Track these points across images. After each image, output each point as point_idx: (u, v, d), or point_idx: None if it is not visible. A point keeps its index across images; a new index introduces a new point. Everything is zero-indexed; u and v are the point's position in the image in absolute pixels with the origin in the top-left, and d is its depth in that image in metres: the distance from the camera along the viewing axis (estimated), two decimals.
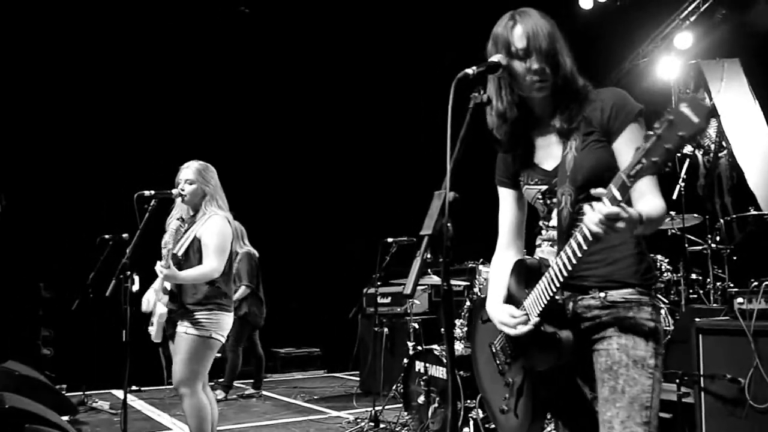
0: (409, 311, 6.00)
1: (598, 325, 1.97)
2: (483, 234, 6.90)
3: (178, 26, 8.32)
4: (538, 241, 2.21)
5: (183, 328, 3.90)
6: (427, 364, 5.02)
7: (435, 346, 5.11)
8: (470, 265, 5.77)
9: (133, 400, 7.14)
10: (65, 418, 4.78)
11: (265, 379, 9.05)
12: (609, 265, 1.98)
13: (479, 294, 5.36)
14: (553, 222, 2.07)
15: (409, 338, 5.74)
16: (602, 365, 1.94)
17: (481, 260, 5.67)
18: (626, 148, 1.89)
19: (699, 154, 7.58)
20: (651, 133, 1.54)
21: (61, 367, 7.30)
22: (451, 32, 8.53)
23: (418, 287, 6.91)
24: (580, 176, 1.95)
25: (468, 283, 5.62)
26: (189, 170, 4.09)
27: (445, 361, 4.89)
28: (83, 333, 7.32)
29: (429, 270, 5.16)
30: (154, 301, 4.02)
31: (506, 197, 2.28)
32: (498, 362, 2.25)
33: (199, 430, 3.99)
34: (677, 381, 4.38)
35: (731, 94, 7.23)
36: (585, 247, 1.73)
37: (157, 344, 4.07)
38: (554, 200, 2.05)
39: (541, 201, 2.12)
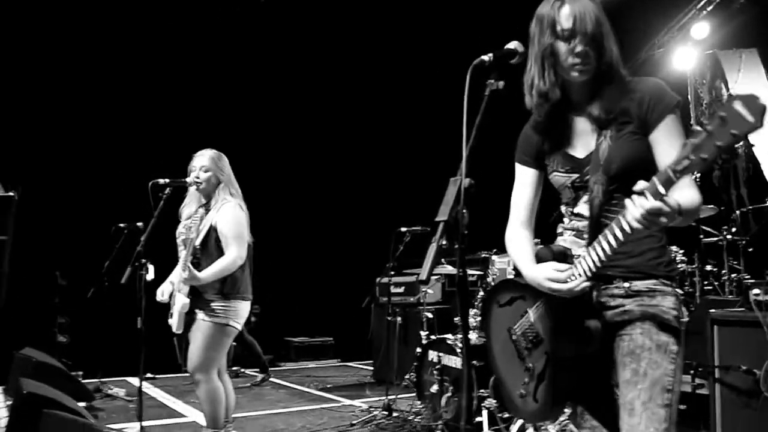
0: (422, 301, 6.01)
1: (622, 313, 1.99)
2: (496, 224, 6.90)
3: (194, 16, 8.32)
4: (559, 229, 2.20)
5: (201, 315, 3.94)
6: (441, 354, 5.02)
7: (448, 336, 5.12)
8: (483, 255, 5.76)
9: (148, 387, 7.21)
10: (81, 404, 4.83)
11: (278, 368, 9.13)
12: (634, 257, 1.98)
13: (492, 283, 5.36)
14: (579, 210, 2.08)
15: (423, 328, 5.75)
16: (624, 349, 1.95)
17: (495, 250, 5.66)
18: (663, 139, 1.90)
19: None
20: (700, 128, 1.51)
21: (76, 354, 7.37)
22: (465, 19, 8.49)
23: (432, 277, 6.93)
24: (614, 166, 1.94)
25: (481, 273, 5.62)
26: (203, 158, 4.12)
27: (458, 350, 4.90)
28: (99, 321, 7.38)
29: (443, 259, 5.16)
30: (171, 292, 4.05)
31: (526, 176, 2.25)
32: (518, 346, 2.22)
33: (213, 416, 4.03)
34: (692, 372, 4.37)
35: (749, 84, 7.16)
36: (622, 240, 1.75)
37: (172, 332, 4.11)
38: (584, 189, 2.05)
39: (570, 189, 2.10)
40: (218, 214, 4.01)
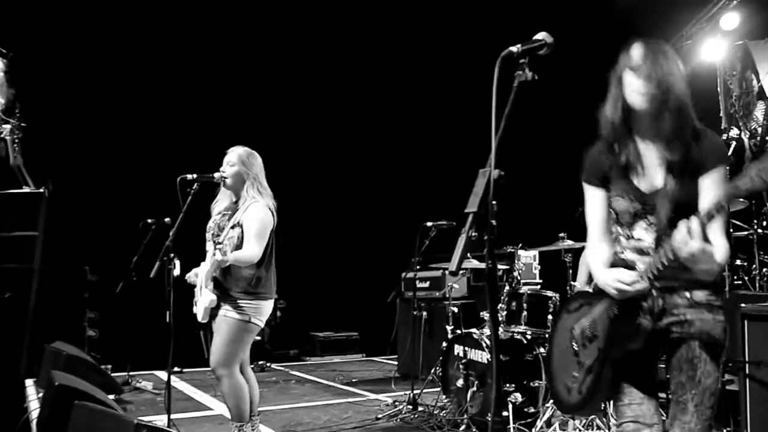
0: (447, 295, 6.00)
1: (684, 322, 2.29)
2: (522, 218, 6.86)
3: (226, 13, 8.39)
4: (618, 247, 2.46)
5: (224, 311, 3.98)
6: (466, 348, 5.02)
7: (474, 330, 5.11)
8: (509, 250, 5.73)
9: (175, 381, 7.28)
10: (111, 397, 4.90)
11: (303, 363, 9.20)
12: (689, 270, 2.20)
13: (518, 278, 5.34)
14: (638, 235, 2.38)
15: (448, 322, 5.74)
16: (684, 355, 2.28)
17: (521, 245, 5.63)
18: (707, 188, 2.24)
19: (745, 138, 7.40)
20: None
21: (105, 348, 7.48)
22: (494, 9, 8.44)
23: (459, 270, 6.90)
24: (681, 204, 2.25)
25: (507, 268, 5.59)
26: (233, 154, 4.16)
27: (484, 345, 4.89)
28: (127, 315, 7.48)
29: (468, 254, 5.14)
30: (200, 285, 4.10)
31: (596, 195, 2.49)
32: (575, 344, 2.49)
33: (237, 410, 4.06)
34: (721, 368, 4.31)
35: None
36: (672, 258, 2.09)
37: (198, 326, 4.15)
38: (642, 217, 2.36)
39: (629, 214, 2.39)
40: (245, 213, 4.04)
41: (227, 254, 3.84)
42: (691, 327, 2.27)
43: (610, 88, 2.34)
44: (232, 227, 4.03)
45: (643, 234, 2.36)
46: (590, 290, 2.52)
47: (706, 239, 2.01)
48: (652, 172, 2.34)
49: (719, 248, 2.17)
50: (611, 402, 4.30)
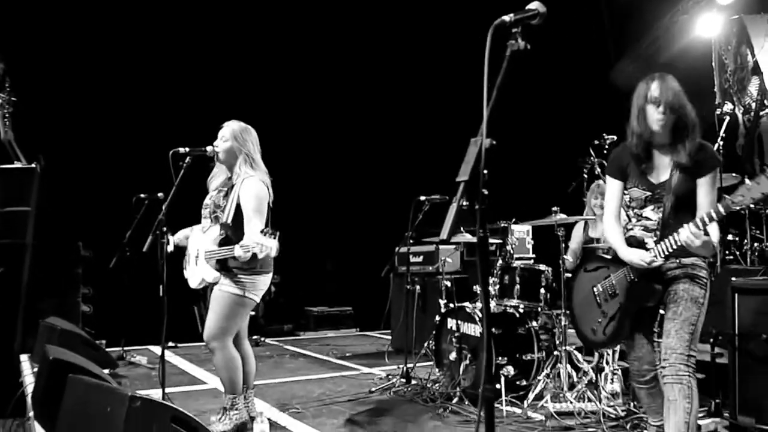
0: (441, 269, 6.02)
1: (673, 277, 3.15)
2: (515, 193, 6.85)
3: None
4: (629, 225, 3.32)
5: (220, 284, 3.98)
6: (459, 321, 5.05)
7: (467, 304, 5.13)
8: (503, 225, 5.74)
9: (169, 356, 7.31)
10: (106, 371, 4.91)
11: (297, 338, 9.24)
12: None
13: (511, 252, 5.36)
14: (647, 215, 3.22)
15: (441, 296, 5.76)
16: (671, 297, 3.12)
17: (514, 219, 5.64)
18: (702, 187, 3.08)
19: (739, 113, 7.39)
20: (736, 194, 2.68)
21: (100, 323, 7.48)
22: None
23: (451, 245, 6.93)
24: (679, 193, 3.10)
25: (501, 242, 5.60)
26: (227, 129, 4.14)
27: (477, 318, 4.91)
28: (121, 290, 7.49)
29: (462, 228, 5.15)
30: (195, 255, 4.09)
31: (615, 186, 3.35)
32: (598, 298, 3.38)
33: (230, 383, 4.08)
34: (711, 341, 4.34)
35: None
36: (680, 244, 2.93)
37: (193, 301, 4.16)
38: (651, 202, 3.19)
39: (641, 200, 3.22)
40: (241, 188, 4.02)
41: (240, 251, 3.71)
42: (678, 278, 3.13)
43: (633, 109, 3.13)
44: (235, 207, 4.01)
45: (651, 214, 3.21)
46: (607, 256, 3.39)
47: (705, 232, 2.81)
48: (662, 170, 3.17)
49: (713, 235, 2.93)
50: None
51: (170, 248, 4.19)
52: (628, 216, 3.35)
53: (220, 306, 3.99)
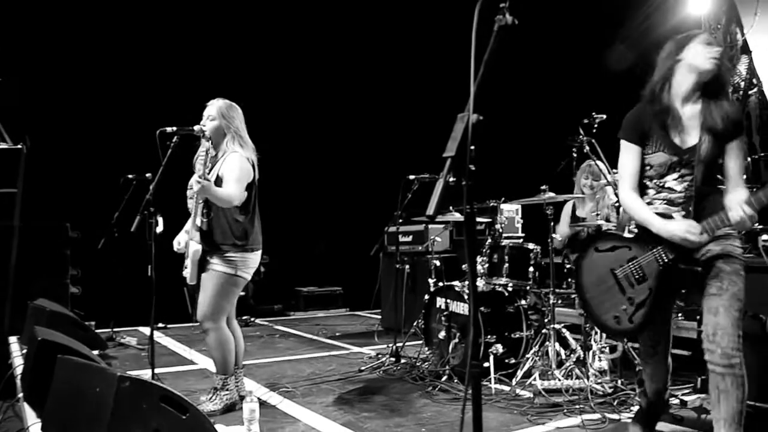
0: (430, 249, 6.03)
1: (712, 256, 2.85)
2: (505, 173, 6.85)
3: None
4: (647, 198, 3.00)
5: (211, 264, 3.99)
6: (448, 300, 5.06)
7: (456, 282, 5.15)
8: (492, 204, 5.75)
9: (159, 337, 7.31)
10: (95, 352, 4.91)
11: (287, 317, 9.26)
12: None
13: (500, 231, 5.37)
14: (670, 185, 2.92)
15: (430, 275, 5.77)
16: (713, 274, 2.83)
17: (503, 199, 5.65)
18: (733, 151, 2.85)
19: (728, 91, 7.39)
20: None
21: (89, 305, 7.47)
22: None
23: (440, 224, 6.93)
24: (709, 161, 2.83)
25: (490, 221, 5.61)
26: (212, 107, 4.11)
27: (466, 296, 4.93)
28: (110, 271, 7.47)
29: (451, 207, 5.15)
30: (186, 242, 4.09)
31: (632, 150, 3.00)
32: (621, 282, 3.03)
33: (223, 363, 4.10)
34: (697, 318, 4.38)
35: (765, 29, 7.00)
36: (730, 222, 2.70)
37: (182, 281, 4.16)
38: (675, 170, 2.90)
39: (666, 166, 2.91)
40: (224, 161, 4.03)
41: (210, 184, 3.80)
42: (715, 253, 2.84)
43: (661, 62, 2.92)
44: (215, 180, 4.00)
45: (674, 184, 2.91)
46: (627, 235, 3.07)
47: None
48: (689, 133, 2.88)
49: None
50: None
51: (159, 228, 4.18)
52: (645, 187, 3.02)
53: (212, 285, 4.00)
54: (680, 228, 2.79)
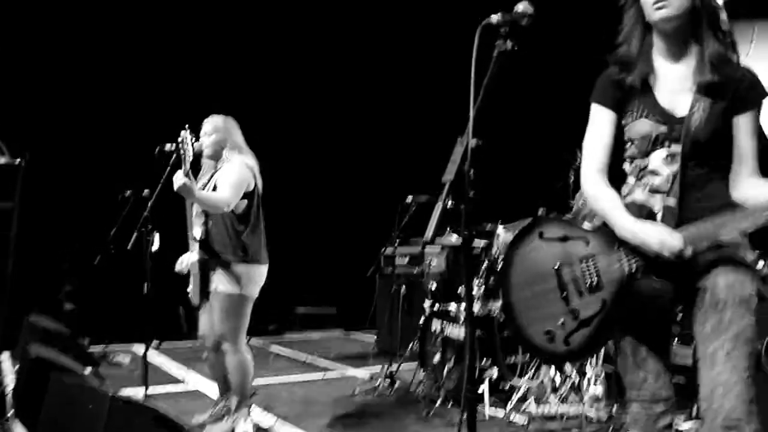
0: (426, 271, 6.01)
1: (705, 265, 2.01)
2: (501, 196, 6.86)
3: None
4: (627, 188, 2.19)
5: (215, 285, 3.93)
6: (444, 323, 5.04)
7: (452, 305, 5.13)
8: (489, 227, 5.74)
9: (153, 355, 7.27)
10: (87, 370, 4.88)
11: (282, 337, 9.22)
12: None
13: (497, 254, 5.36)
14: (653, 167, 2.10)
15: (427, 298, 5.76)
16: (706, 302, 1.99)
17: (500, 221, 5.65)
18: (745, 127, 2.03)
19: (725, 37, 7.39)
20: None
21: (83, 321, 7.42)
22: None
23: (437, 247, 6.91)
24: (703, 139, 2.01)
25: (486, 244, 5.61)
26: (208, 124, 4.12)
27: (461, 320, 4.92)
28: (105, 288, 7.43)
29: (448, 228, 5.15)
30: (188, 263, 4.04)
31: (605, 118, 2.17)
32: (567, 286, 2.15)
33: (241, 387, 4.02)
34: (693, 345, 4.37)
35: (762, 56, 7.05)
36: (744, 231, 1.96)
37: (178, 300, 4.13)
38: (662, 145, 2.08)
39: (649, 140, 2.09)
40: (223, 167, 4.01)
41: (193, 185, 3.70)
42: (714, 268, 2.00)
43: (625, 10, 2.13)
44: (213, 188, 3.99)
45: (660, 166, 2.08)
46: (585, 226, 2.22)
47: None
48: (682, 94, 2.06)
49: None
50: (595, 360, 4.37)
51: (155, 246, 4.16)
52: (624, 175, 2.22)
53: (220, 307, 3.93)
54: (653, 235, 1.96)
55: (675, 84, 2.07)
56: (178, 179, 3.64)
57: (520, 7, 1.87)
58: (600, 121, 2.18)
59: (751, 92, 2.02)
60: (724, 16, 2.03)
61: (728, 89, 2.00)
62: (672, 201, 2.02)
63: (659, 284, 2.02)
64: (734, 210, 1.97)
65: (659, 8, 1.96)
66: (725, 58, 2.01)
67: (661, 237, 1.94)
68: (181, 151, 3.71)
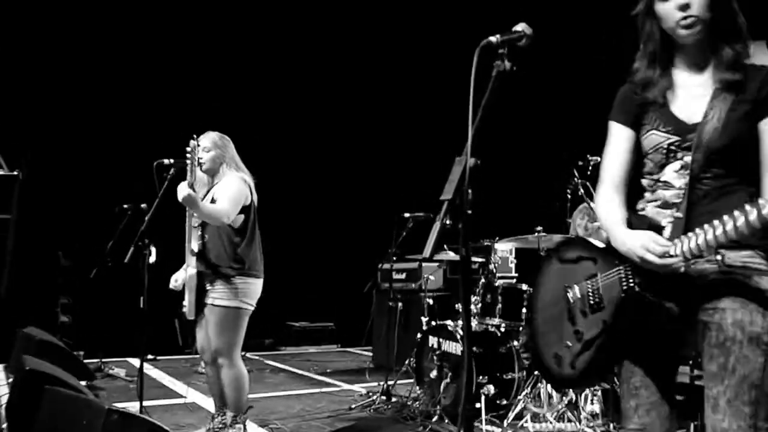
0: (423, 287, 6.02)
1: (712, 293, 1.85)
2: (498, 212, 6.88)
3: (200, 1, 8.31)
4: (642, 204, 2.07)
5: (210, 299, 3.93)
6: (441, 339, 5.04)
7: (448, 322, 5.13)
8: (486, 243, 5.76)
9: (149, 369, 7.23)
10: (83, 383, 4.85)
11: (278, 352, 9.19)
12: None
13: (494, 270, 5.37)
14: (667, 178, 1.98)
15: (423, 314, 5.76)
16: (713, 339, 1.84)
17: (497, 238, 5.66)
18: None
19: (744, 37, 7.42)
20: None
21: (78, 334, 7.41)
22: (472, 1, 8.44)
23: (434, 263, 6.93)
24: (720, 144, 1.84)
25: (483, 261, 5.62)
26: (206, 139, 4.13)
27: (458, 336, 4.91)
28: (101, 301, 7.42)
29: (445, 245, 5.16)
30: (183, 279, 4.04)
31: (622, 136, 2.09)
32: (572, 307, 2.10)
33: (236, 401, 4.00)
34: (690, 363, 4.37)
35: None
36: (732, 236, 1.66)
37: (173, 313, 4.13)
38: (676, 155, 1.95)
39: (663, 152, 1.97)
40: (220, 182, 4.02)
41: (196, 196, 3.70)
42: (721, 299, 1.83)
43: (640, 26, 2.02)
44: (210, 202, 4.00)
45: (674, 178, 1.95)
46: (599, 243, 2.12)
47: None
48: (698, 101, 1.93)
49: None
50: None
51: (152, 259, 4.16)
52: (643, 189, 2.08)
53: (216, 321, 3.92)
54: (636, 241, 1.86)
55: (693, 92, 1.96)
56: (183, 189, 3.66)
57: (518, 28, 1.89)
58: (617, 139, 2.11)
59: None
60: (741, 19, 1.92)
61: (750, 91, 1.87)
62: (680, 214, 1.87)
63: (659, 305, 1.89)
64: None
65: (689, 26, 1.88)
66: (744, 58, 1.90)
67: (644, 242, 1.83)
68: (188, 160, 3.74)
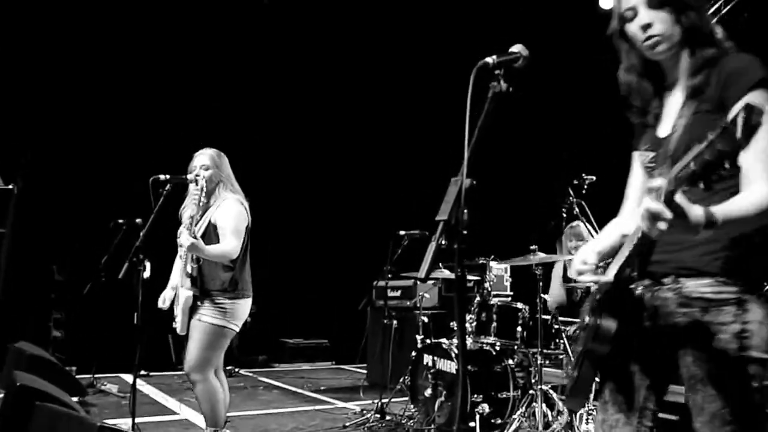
0: (418, 305, 6.01)
1: (675, 329, 1.79)
2: (494, 230, 6.89)
3: (198, 13, 8.33)
4: None
5: (199, 314, 3.94)
6: (435, 358, 5.02)
7: (443, 340, 5.12)
8: (481, 262, 5.76)
9: (141, 385, 7.19)
10: (74, 399, 4.82)
11: (272, 369, 9.15)
12: (685, 249, 1.76)
13: (489, 289, 5.36)
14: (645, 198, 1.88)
15: (418, 332, 5.74)
16: (684, 373, 1.78)
17: (492, 257, 5.66)
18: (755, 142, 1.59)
19: (717, 41, 7.43)
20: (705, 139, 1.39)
21: (71, 349, 7.36)
22: (468, 20, 8.48)
23: (429, 280, 6.91)
24: (681, 153, 1.58)
25: (479, 279, 5.62)
26: (204, 156, 4.13)
27: (453, 354, 4.90)
28: (94, 316, 7.38)
29: (440, 264, 5.16)
30: (173, 295, 4.05)
31: (635, 161, 2.06)
32: (582, 329, 2.00)
33: (213, 415, 4.00)
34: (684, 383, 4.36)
35: None
36: (641, 240, 1.62)
37: (167, 329, 4.11)
38: (654, 172, 1.88)
39: (648, 170, 1.93)
40: (219, 209, 4.03)
41: (201, 243, 3.80)
42: (682, 336, 1.77)
43: (617, 47, 1.98)
44: (206, 225, 4.00)
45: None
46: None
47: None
48: (670, 115, 1.89)
49: (737, 201, 1.60)
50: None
51: (147, 274, 4.15)
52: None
53: (200, 337, 3.93)
54: (574, 261, 1.87)
55: (674, 107, 1.89)
56: (186, 239, 3.77)
57: (515, 49, 1.90)
58: (633, 166, 2.08)
59: (732, 84, 1.70)
60: (718, 29, 1.84)
61: (709, 90, 1.76)
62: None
63: (614, 325, 1.76)
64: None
65: (653, 45, 1.84)
66: (708, 58, 1.79)
67: (579, 255, 1.86)
68: (194, 202, 3.86)
